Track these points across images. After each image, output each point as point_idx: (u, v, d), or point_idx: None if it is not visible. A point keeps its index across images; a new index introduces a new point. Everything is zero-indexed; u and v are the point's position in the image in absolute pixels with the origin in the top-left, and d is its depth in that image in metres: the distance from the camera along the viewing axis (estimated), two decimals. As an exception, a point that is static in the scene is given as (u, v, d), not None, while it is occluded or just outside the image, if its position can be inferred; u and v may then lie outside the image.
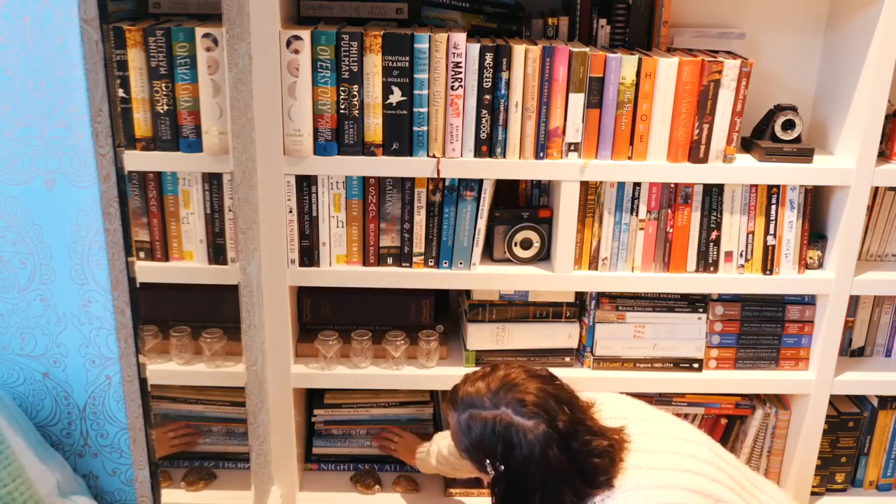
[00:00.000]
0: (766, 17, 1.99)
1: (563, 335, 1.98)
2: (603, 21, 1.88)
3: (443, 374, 1.98)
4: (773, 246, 1.92)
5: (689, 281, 1.92)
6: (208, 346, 1.73)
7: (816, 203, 1.95)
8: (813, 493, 2.13)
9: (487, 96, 1.77)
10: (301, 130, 1.77)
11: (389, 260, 1.90)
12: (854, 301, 2.05)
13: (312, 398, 2.15)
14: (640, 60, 1.77)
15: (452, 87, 1.76)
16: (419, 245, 1.89)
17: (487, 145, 1.81)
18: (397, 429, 2.10)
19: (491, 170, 1.82)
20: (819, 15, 1.99)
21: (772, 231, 1.91)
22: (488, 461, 1.39)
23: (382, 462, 2.16)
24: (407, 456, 2.04)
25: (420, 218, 1.87)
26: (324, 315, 2.04)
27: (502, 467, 1.38)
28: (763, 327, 1.99)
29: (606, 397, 1.57)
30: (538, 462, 1.36)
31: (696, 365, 1.99)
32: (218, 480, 1.85)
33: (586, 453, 1.38)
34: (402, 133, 1.79)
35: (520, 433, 1.36)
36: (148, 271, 1.38)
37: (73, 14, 1.08)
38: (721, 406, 2.06)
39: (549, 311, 1.97)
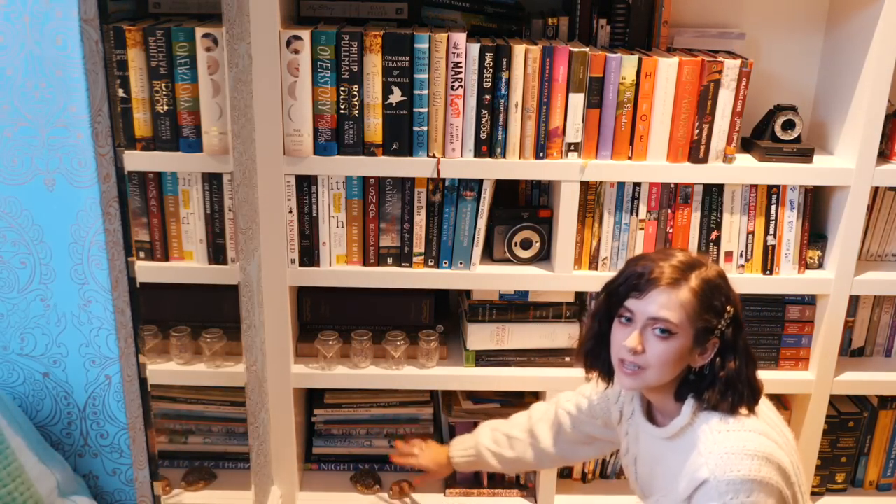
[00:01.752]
0: (766, 17, 1.99)
1: (563, 335, 1.98)
2: (603, 21, 1.88)
3: (443, 374, 1.98)
4: (773, 246, 1.92)
5: (689, 281, 1.92)
6: (208, 346, 1.73)
7: (816, 203, 1.95)
8: (813, 493, 2.13)
9: (487, 96, 1.77)
10: (301, 130, 1.77)
11: (389, 260, 1.90)
12: (854, 301, 2.04)
13: (312, 398, 2.15)
14: (640, 60, 1.77)
15: (452, 87, 1.76)
16: (419, 245, 1.89)
17: (487, 145, 1.81)
18: (416, 440, 1.94)
19: (491, 170, 1.82)
20: (819, 15, 1.99)
21: (772, 231, 1.91)
22: (723, 304, 1.36)
23: (382, 462, 2.16)
24: (434, 466, 1.88)
25: (420, 218, 1.87)
26: (324, 315, 2.04)
27: (732, 310, 1.37)
28: (763, 327, 1.99)
29: None
30: (740, 314, 1.39)
31: (696, 365, 1.99)
32: (218, 480, 1.85)
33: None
34: (402, 133, 1.79)
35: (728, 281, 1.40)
36: (148, 271, 1.38)
37: (73, 14, 1.08)
38: (721, 406, 2.06)
39: (549, 311, 1.97)
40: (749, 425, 1.36)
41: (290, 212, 1.83)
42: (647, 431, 1.48)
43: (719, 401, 1.37)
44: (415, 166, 1.80)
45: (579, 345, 1.54)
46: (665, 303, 1.33)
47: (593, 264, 1.92)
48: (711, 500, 1.30)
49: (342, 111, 1.77)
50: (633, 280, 1.36)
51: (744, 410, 1.38)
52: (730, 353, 1.37)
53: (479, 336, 1.97)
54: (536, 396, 2.07)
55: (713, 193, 1.88)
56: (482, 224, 1.87)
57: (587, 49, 1.78)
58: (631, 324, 1.37)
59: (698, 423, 1.38)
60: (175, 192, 1.65)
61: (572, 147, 1.82)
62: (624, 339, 1.36)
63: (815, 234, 1.96)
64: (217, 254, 1.68)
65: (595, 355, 1.49)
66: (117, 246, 1.21)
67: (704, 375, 1.38)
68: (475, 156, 1.81)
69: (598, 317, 1.45)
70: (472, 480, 2.11)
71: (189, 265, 1.65)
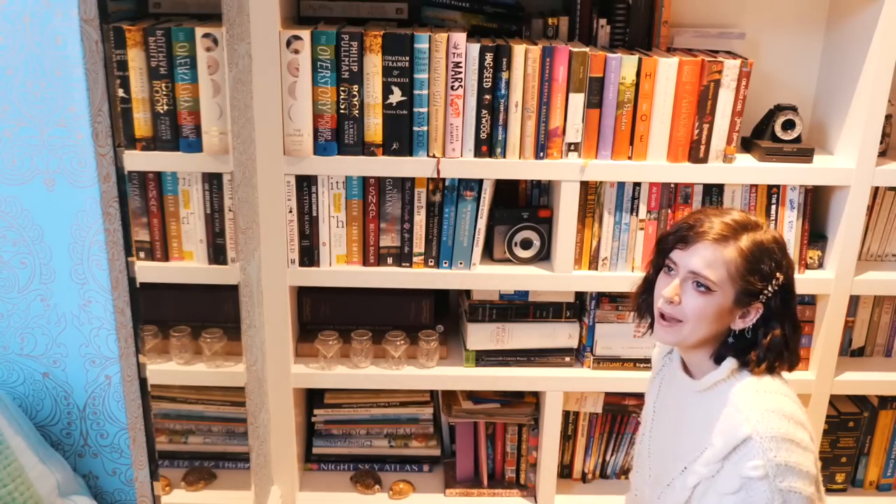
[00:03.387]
0: (766, 17, 1.99)
1: (563, 335, 1.98)
2: (603, 21, 1.88)
3: (443, 374, 1.98)
4: (773, 246, 1.91)
5: (689, 281, 1.92)
6: (208, 346, 1.72)
7: (816, 203, 1.95)
8: (813, 493, 2.13)
9: (487, 96, 1.77)
10: (301, 130, 1.77)
11: (389, 260, 1.90)
12: (854, 301, 2.04)
13: (312, 398, 2.15)
14: (640, 60, 1.77)
15: (452, 87, 1.76)
16: (419, 245, 1.89)
17: (487, 145, 1.81)
18: None
19: (491, 170, 1.82)
20: (819, 15, 1.99)
21: (772, 231, 1.91)
22: (772, 270, 1.34)
23: (382, 462, 2.16)
24: None
25: (420, 218, 1.87)
26: (324, 315, 2.04)
27: (781, 278, 1.35)
28: (763, 327, 1.99)
29: None
30: (792, 284, 1.37)
31: (696, 365, 1.99)
32: (218, 480, 1.84)
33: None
34: (402, 133, 1.79)
35: (785, 248, 1.38)
36: (148, 271, 1.38)
37: (73, 14, 1.08)
38: (721, 406, 2.06)
39: (549, 311, 1.97)
40: (783, 389, 1.36)
41: (290, 212, 1.83)
42: (680, 382, 1.46)
43: (759, 364, 1.35)
44: (415, 166, 1.80)
45: (634, 292, 1.53)
46: (707, 258, 1.32)
47: (593, 264, 1.92)
48: (755, 458, 1.27)
49: (342, 111, 1.77)
50: (682, 231, 1.36)
51: (779, 375, 1.38)
52: (774, 320, 1.35)
53: (479, 336, 1.97)
54: (536, 396, 2.07)
55: (713, 193, 1.88)
56: (482, 224, 1.87)
57: (587, 49, 1.77)
58: (674, 275, 1.36)
59: (733, 381, 1.36)
60: (175, 192, 1.64)
61: (572, 147, 1.82)
62: (663, 289, 1.36)
63: (815, 234, 1.96)
64: (217, 254, 1.68)
65: (646, 303, 1.48)
66: (117, 246, 1.21)
67: (745, 339, 1.37)
68: (475, 156, 1.81)
69: (651, 265, 1.46)
70: (473, 480, 2.11)
71: (189, 265, 1.65)
